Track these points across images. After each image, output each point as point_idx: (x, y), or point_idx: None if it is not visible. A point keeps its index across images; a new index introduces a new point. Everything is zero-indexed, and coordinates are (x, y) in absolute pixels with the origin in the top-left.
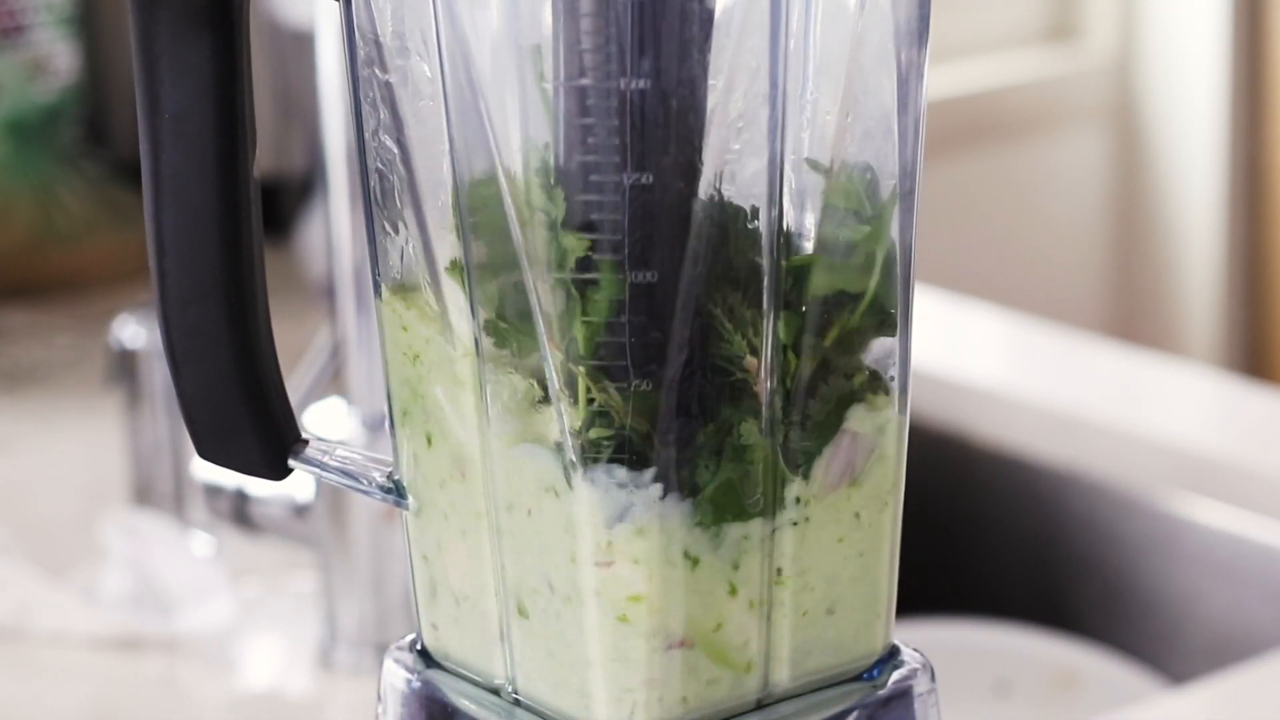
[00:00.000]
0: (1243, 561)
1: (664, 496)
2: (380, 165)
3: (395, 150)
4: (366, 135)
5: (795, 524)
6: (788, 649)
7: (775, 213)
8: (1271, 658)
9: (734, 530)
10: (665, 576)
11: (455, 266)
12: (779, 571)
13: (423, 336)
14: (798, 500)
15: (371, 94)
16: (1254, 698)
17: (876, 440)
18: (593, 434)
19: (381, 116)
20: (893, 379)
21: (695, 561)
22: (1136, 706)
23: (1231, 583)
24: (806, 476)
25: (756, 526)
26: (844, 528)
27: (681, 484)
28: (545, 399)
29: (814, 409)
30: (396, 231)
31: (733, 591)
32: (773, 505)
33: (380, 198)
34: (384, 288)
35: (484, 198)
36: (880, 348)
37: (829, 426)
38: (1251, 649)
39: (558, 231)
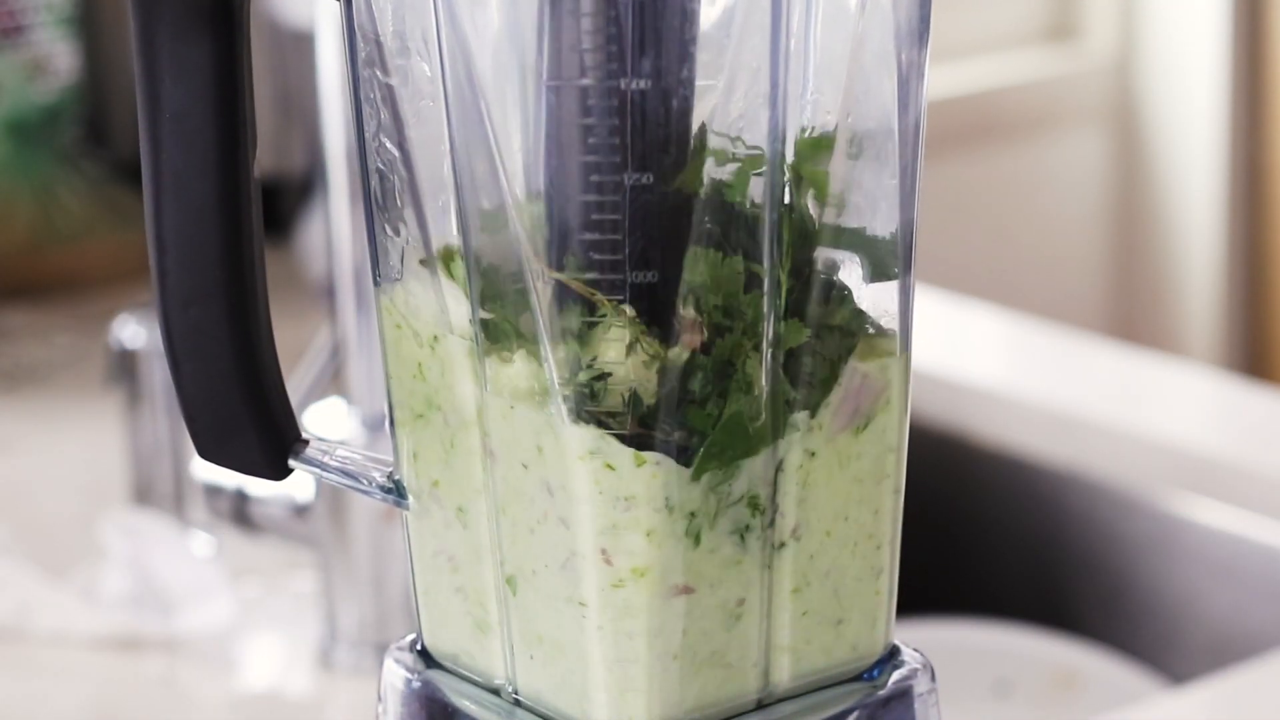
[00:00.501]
0: (1243, 561)
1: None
2: (381, 165)
3: (396, 151)
4: (367, 136)
5: (800, 468)
6: (788, 647)
7: (775, 215)
8: (1271, 658)
9: (737, 484)
10: (666, 550)
11: (449, 255)
12: (780, 583)
13: (422, 334)
14: (802, 435)
15: (372, 94)
16: (1254, 698)
17: (881, 380)
18: (592, 431)
19: (382, 117)
20: (895, 332)
21: (697, 535)
22: (1136, 706)
23: (1231, 583)
24: (813, 415)
25: (760, 470)
26: (846, 493)
27: (680, 455)
28: (545, 395)
29: (816, 375)
30: (398, 233)
31: (734, 574)
32: (776, 434)
33: (381, 198)
34: (383, 287)
35: (485, 197)
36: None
37: (830, 381)
38: (1251, 649)
39: (556, 232)
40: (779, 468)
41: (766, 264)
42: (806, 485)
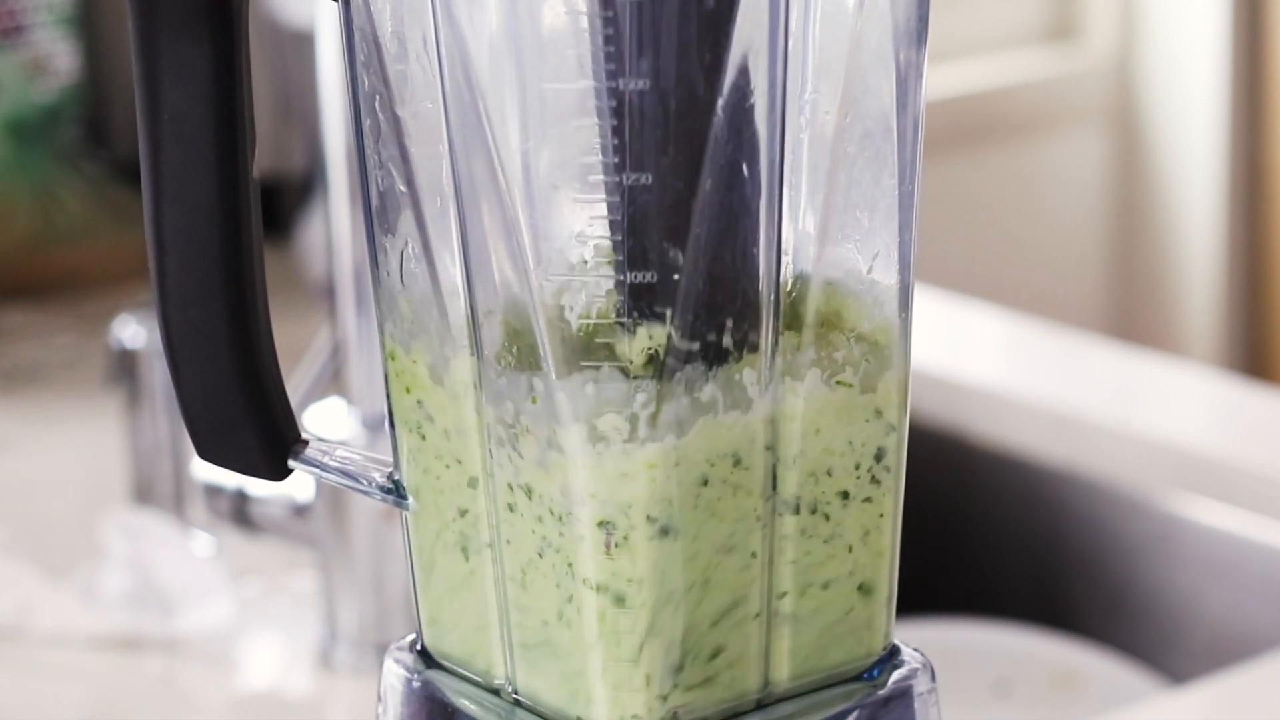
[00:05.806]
0: (1243, 561)
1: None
2: (379, 168)
3: (395, 153)
4: (366, 138)
5: (800, 435)
6: (788, 645)
7: (775, 214)
8: (1271, 658)
9: (736, 466)
10: (665, 544)
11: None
12: (780, 576)
13: (421, 336)
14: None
15: (371, 96)
16: (1254, 698)
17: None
18: (590, 441)
19: (381, 119)
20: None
21: (698, 531)
22: (1136, 706)
23: (1231, 583)
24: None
25: (756, 449)
26: (844, 472)
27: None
28: (545, 398)
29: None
30: (396, 234)
31: (734, 570)
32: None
33: (380, 200)
34: (382, 289)
35: (484, 199)
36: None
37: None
38: (1251, 649)
39: (554, 233)
40: (775, 465)
41: (764, 263)
42: (804, 451)
